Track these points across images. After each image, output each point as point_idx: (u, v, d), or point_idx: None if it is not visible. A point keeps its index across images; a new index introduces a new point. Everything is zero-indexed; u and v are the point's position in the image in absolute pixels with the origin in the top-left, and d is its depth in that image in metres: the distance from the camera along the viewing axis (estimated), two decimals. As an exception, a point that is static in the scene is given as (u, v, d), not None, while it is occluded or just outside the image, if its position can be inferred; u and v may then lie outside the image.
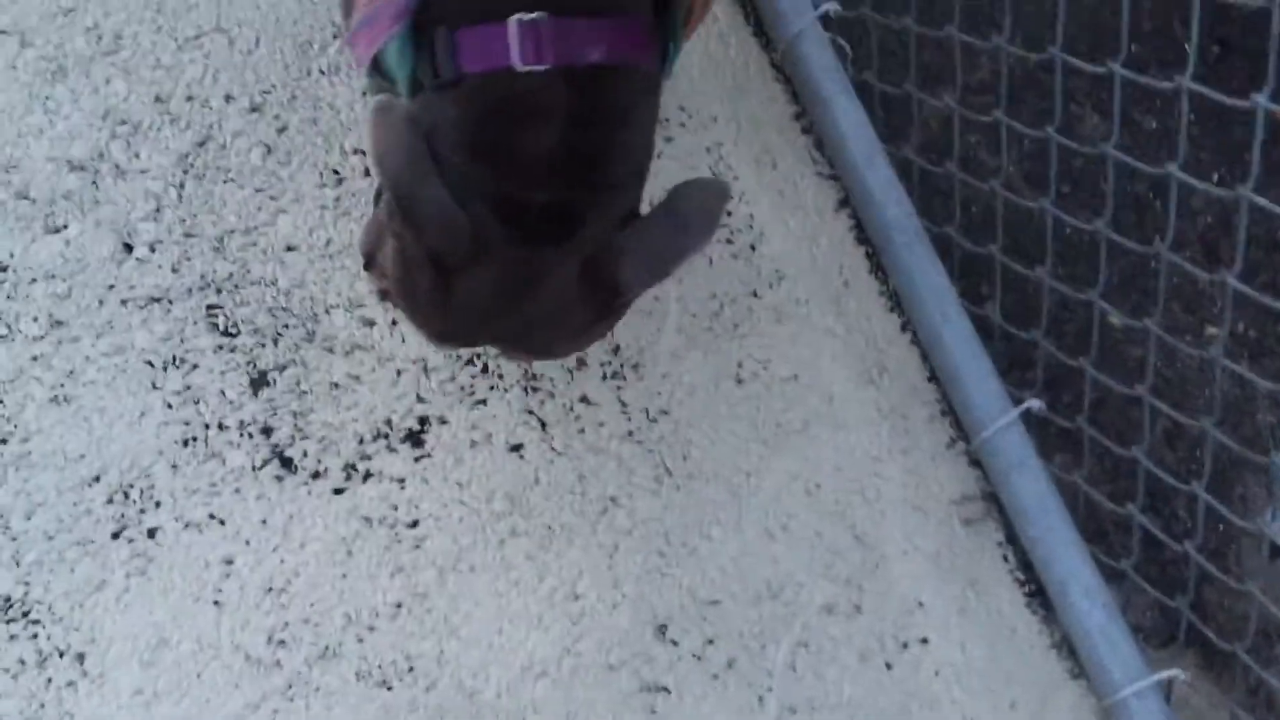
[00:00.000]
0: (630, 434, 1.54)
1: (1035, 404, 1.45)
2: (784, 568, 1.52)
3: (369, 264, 1.17)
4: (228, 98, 1.56)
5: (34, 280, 1.46)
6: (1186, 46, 1.58)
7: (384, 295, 1.47)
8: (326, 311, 1.51)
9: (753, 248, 1.64)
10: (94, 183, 1.50)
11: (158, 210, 1.50)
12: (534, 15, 0.98)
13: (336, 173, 1.56)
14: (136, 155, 1.52)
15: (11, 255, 1.46)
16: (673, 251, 1.04)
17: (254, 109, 1.56)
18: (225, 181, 1.53)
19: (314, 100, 1.58)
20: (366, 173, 1.56)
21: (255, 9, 1.59)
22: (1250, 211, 1.10)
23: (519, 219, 1.01)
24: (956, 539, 1.57)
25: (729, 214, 1.64)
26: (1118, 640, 1.40)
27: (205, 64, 1.56)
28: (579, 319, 1.09)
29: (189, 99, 1.55)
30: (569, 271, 1.04)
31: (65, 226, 1.48)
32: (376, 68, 1.10)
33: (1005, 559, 1.57)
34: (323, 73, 1.59)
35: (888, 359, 1.62)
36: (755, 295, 1.62)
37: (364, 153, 1.57)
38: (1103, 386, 1.43)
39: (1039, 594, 1.55)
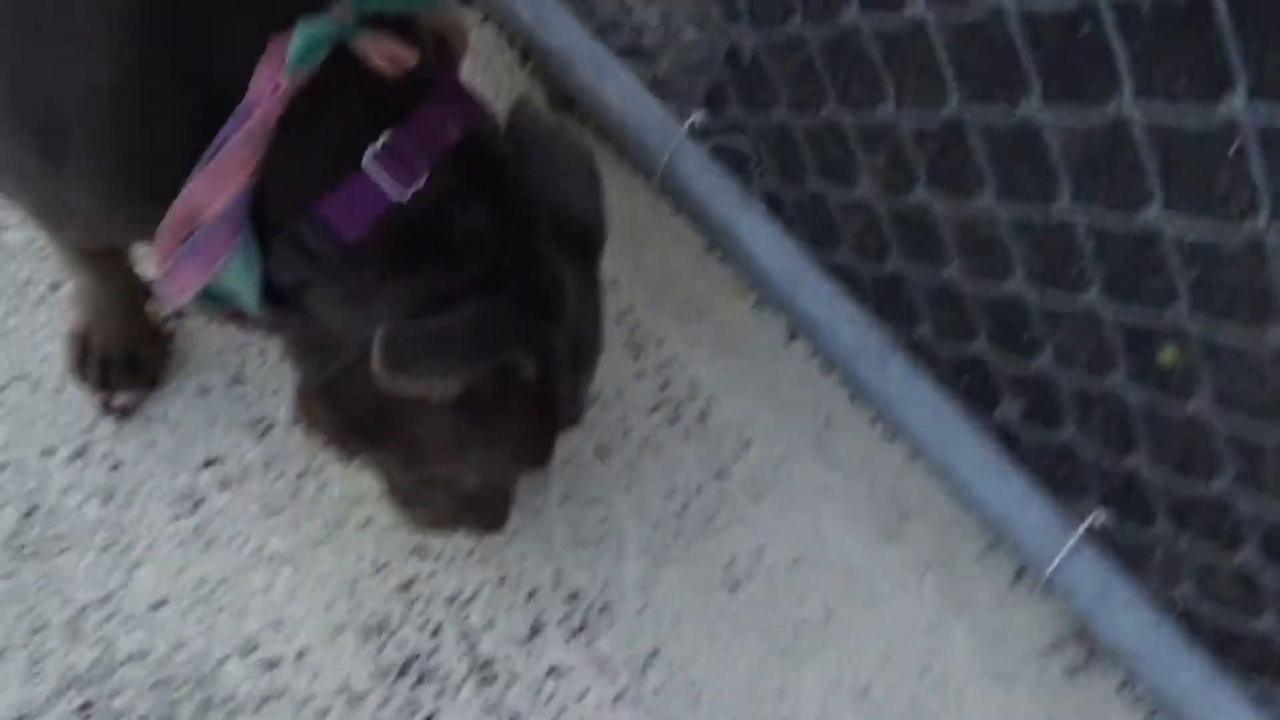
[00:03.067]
0: (620, 696, 1.22)
1: (1099, 517, 1.11)
2: (858, 808, 1.18)
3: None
4: (45, 451, 1.31)
5: None
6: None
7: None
8: (219, 666, 1.23)
9: (702, 418, 1.34)
10: (-88, 606, 1.25)
11: (-7, 613, 1.25)
12: (383, 139, 0.89)
13: (189, 497, 1.29)
14: (-44, 556, 1.27)
15: None
16: (584, 189, 1.04)
17: (77, 455, 1.31)
18: (63, 551, 1.27)
19: (145, 420, 1.32)
20: (224, 485, 1.30)
21: (53, 339, 1.35)
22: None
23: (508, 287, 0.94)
24: (1064, 698, 1.21)
25: (663, 387, 1.35)
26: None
27: (12, 422, 1.32)
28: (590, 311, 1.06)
29: (3, 469, 1.30)
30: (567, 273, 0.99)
31: (-112, 669, 1.23)
32: (209, 294, 0.97)
33: (1137, 701, 1.21)
34: (148, 385, 1.34)
35: (905, 500, 1.30)
36: (721, 476, 1.31)
37: (214, 461, 1.31)
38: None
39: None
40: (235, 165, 0.88)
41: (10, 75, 0.91)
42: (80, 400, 1.32)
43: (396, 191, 0.90)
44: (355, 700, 1.22)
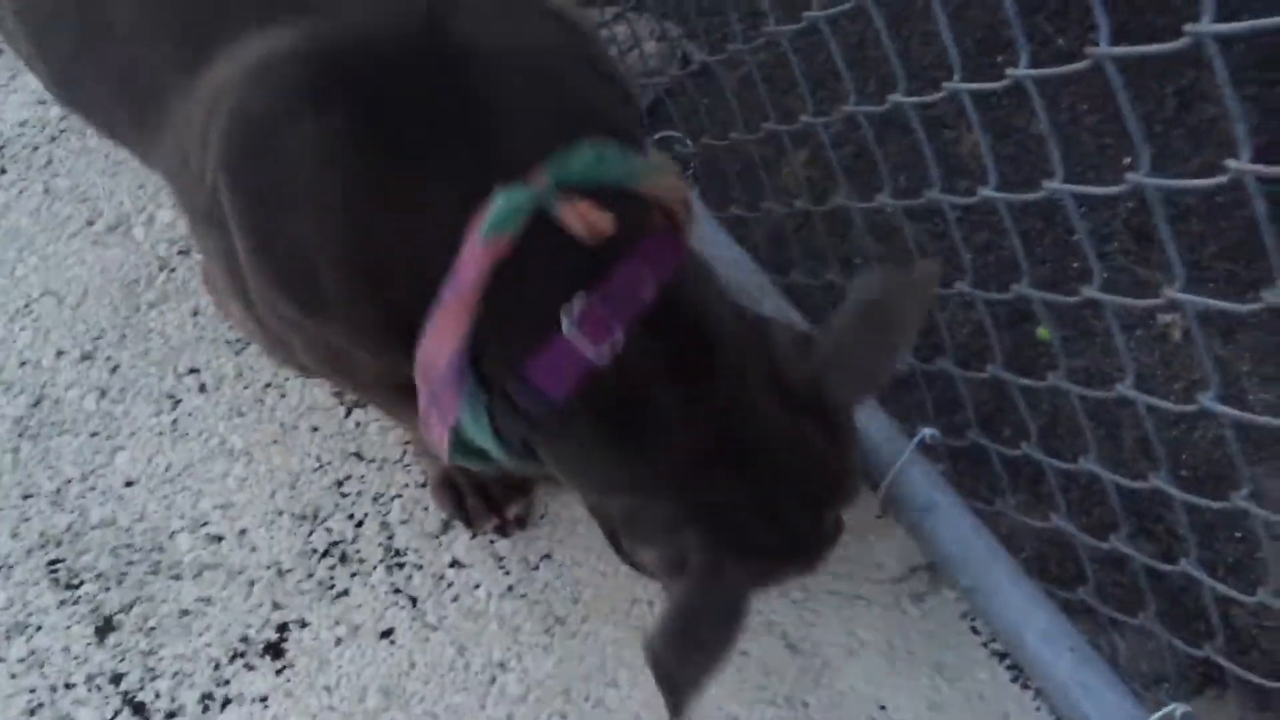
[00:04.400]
0: (510, 589, 1.36)
1: (928, 432, 1.22)
2: (711, 700, 1.28)
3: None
4: (59, 353, 1.54)
5: (-124, 577, 1.42)
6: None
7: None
8: (171, 538, 1.42)
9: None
10: (-70, 468, 1.47)
11: (-6, 479, 1.46)
12: (577, 303, 0.91)
13: (171, 397, 1.50)
14: (-28, 432, 1.50)
15: None
16: (882, 362, 1.00)
17: (85, 358, 1.53)
18: (60, 434, 1.48)
19: (144, 333, 1.54)
20: (202, 389, 1.50)
21: (81, 264, 1.59)
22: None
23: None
24: (910, 621, 1.31)
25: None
26: (1095, 687, 1.10)
27: (35, 328, 1.56)
28: (823, 454, 1.01)
29: (22, 365, 1.53)
30: (784, 422, 0.98)
31: (-96, 516, 1.45)
32: (462, 446, 1.02)
33: (975, 630, 1.29)
34: (151, 305, 1.56)
35: (791, 441, 1.42)
36: (630, 410, 1.46)
37: (196, 370, 1.52)
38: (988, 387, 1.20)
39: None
40: (450, 323, 0.92)
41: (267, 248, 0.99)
42: (95, 312, 1.55)
43: (594, 353, 0.91)
44: (281, 574, 1.39)
